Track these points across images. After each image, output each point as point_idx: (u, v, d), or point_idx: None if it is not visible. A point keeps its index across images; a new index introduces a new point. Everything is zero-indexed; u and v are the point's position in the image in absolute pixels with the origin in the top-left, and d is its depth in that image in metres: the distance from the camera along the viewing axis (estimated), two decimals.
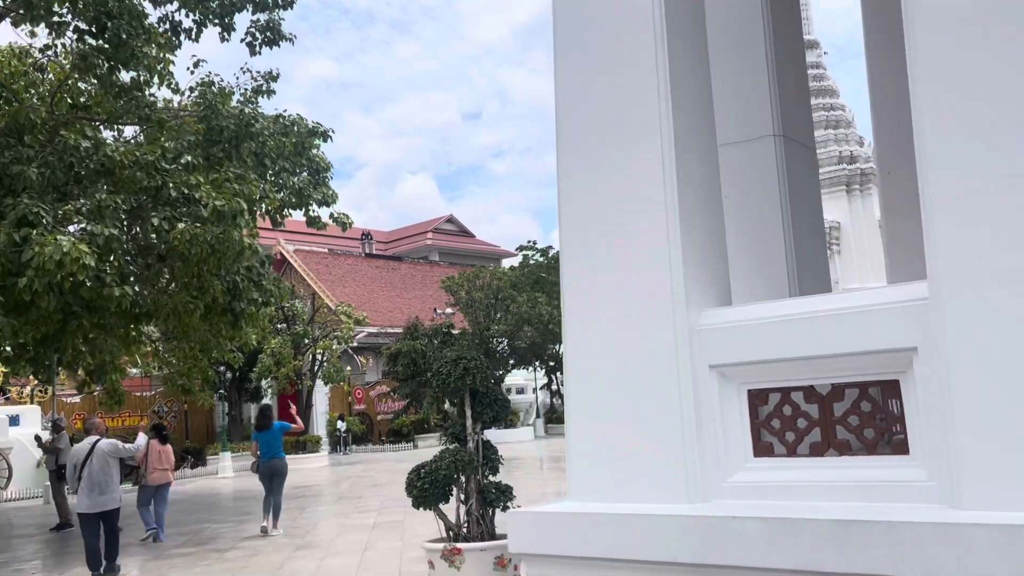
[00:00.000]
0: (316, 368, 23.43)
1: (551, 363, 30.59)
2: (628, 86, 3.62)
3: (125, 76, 10.95)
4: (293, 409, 11.84)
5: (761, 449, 3.26)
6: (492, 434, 28.17)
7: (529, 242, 31.15)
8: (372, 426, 30.27)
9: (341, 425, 27.83)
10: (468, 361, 4.39)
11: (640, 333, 3.44)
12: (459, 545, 3.89)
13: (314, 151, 13.63)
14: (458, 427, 4.38)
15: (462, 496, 4.33)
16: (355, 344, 26.21)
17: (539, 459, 18.95)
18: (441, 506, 4.40)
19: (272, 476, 9.66)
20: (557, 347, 30.39)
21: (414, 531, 8.78)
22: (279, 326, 20.90)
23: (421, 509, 4.38)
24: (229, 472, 19.97)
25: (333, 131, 13.16)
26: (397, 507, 11.30)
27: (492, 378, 4.31)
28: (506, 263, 36.44)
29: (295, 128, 12.92)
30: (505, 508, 4.20)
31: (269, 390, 25.32)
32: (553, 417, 30.66)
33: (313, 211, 13.84)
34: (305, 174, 13.72)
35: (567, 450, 3.69)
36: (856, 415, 3.07)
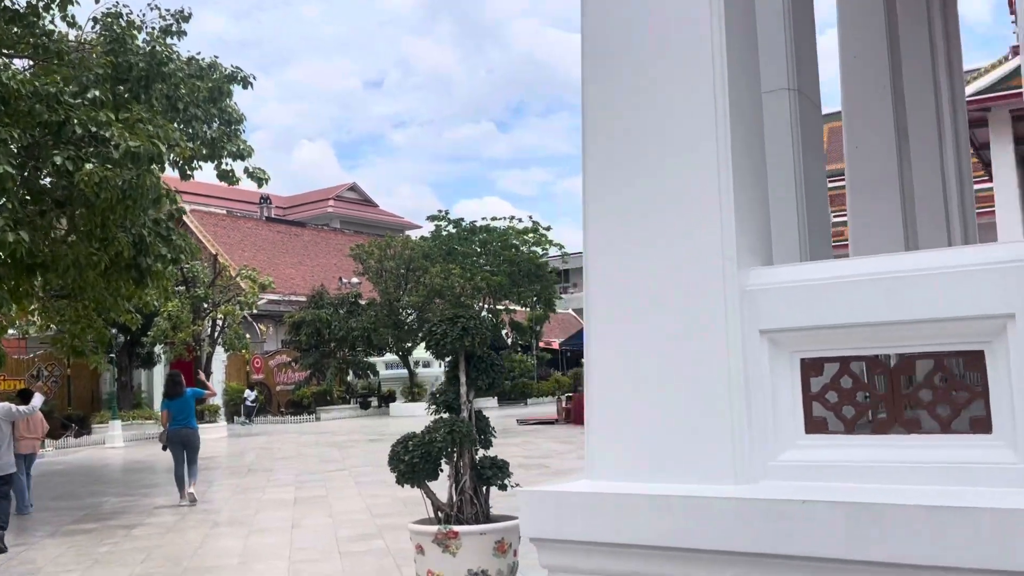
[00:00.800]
0: (216, 334, 22.23)
1: None
2: None
3: None
4: (203, 375, 11.04)
5: (814, 425, 2.92)
6: (400, 407, 27.59)
7: (440, 211, 30.50)
8: (271, 397, 29.14)
9: (250, 394, 26.70)
10: (467, 320, 3.90)
11: (682, 291, 3.03)
12: (456, 528, 3.43)
13: (228, 101, 12.68)
14: (450, 394, 3.89)
15: (452, 472, 3.85)
16: (254, 311, 25.06)
17: None
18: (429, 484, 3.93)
19: (184, 446, 9.02)
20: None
21: (342, 507, 8.24)
22: (178, 288, 19.62)
23: (407, 486, 3.88)
24: (119, 442, 18.71)
25: (255, 77, 12.24)
26: (314, 482, 10.67)
27: (488, 341, 3.86)
28: (411, 235, 35.70)
29: (212, 73, 11.95)
30: (503, 486, 3.76)
31: (163, 356, 23.90)
32: None
33: (227, 164, 12.92)
34: (216, 124, 12.77)
35: (586, 422, 3.26)
36: (928, 389, 2.75)
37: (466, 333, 3.85)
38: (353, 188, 66.88)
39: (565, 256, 33.03)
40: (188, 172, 12.73)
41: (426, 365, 31.20)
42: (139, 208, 8.41)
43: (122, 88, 10.30)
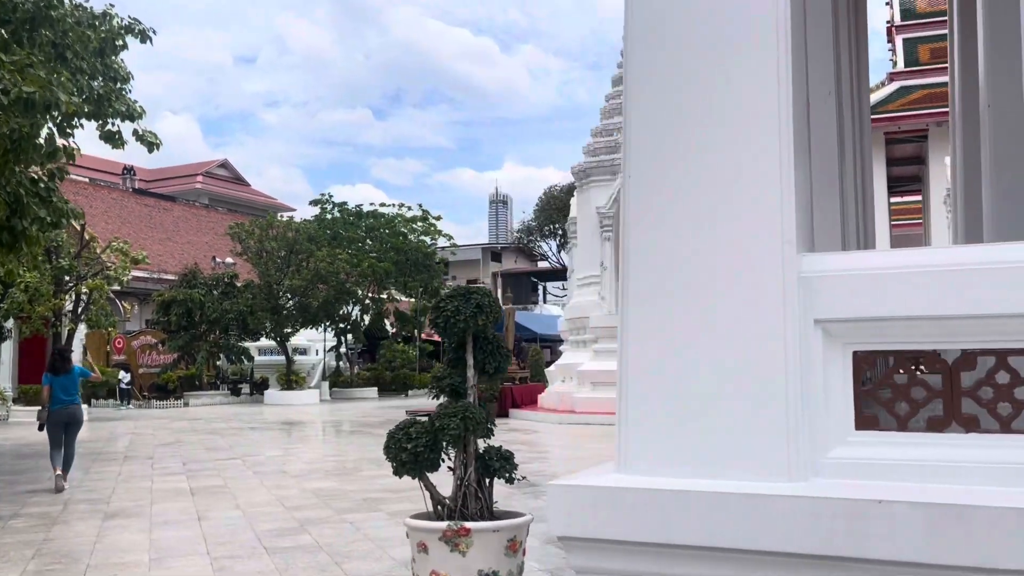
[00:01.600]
0: (80, 310, 20.56)
1: (341, 324, 29.29)
2: None
3: None
4: (90, 356, 10.09)
5: (864, 421, 2.80)
6: (274, 395, 26.48)
7: (324, 195, 29.54)
8: (133, 379, 27.33)
9: (125, 376, 24.93)
10: (480, 297, 3.57)
11: (736, 273, 2.84)
12: (468, 525, 3.11)
13: (117, 56, 11.66)
14: (456, 378, 3.54)
15: (457, 463, 3.51)
16: (123, 288, 23.38)
17: (333, 423, 17.89)
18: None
19: (68, 424, 8.27)
20: (351, 307, 29.14)
21: (250, 499, 7.66)
22: (39, 258, 17.96)
23: (406, 478, 3.50)
24: None
25: (154, 31, 11.27)
26: (206, 471, 9.97)
27: (500, 320, 3.53)
28: (287, 218, 34.37)
29: (104, 23, 10.93)
30: (511, 479, 3.46)
31: (14, 332, 21.94)
32: (339, 381, 29.43)
33: (114, 125, 11.89)
34: (101, 80, 11.72)
35: (620, 411, 3.02)
36: (990, 386, 2.68)
37: (480, 311, 3.53)
38: (224, 165, 63.95)
39: (454, 248, 32.73)
40: (68, 130, 11.61)
41: (302, 352, 30.14)
42: (30, 160, 7.50)
43: (4, 31, 9.24)
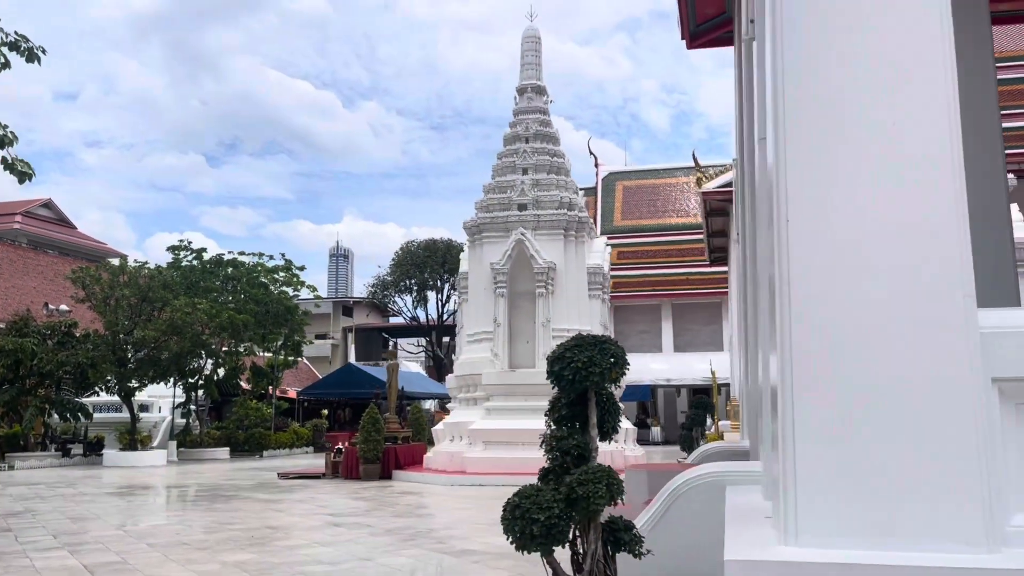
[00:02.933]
0: None
1: (191, 379, 27.21)
2: None
3: None
4: None
5: None
6: (114, 456, 24.03)
7: (183, 241, 27.68)
8: None
9: None
10: (615, 348, 3.16)
11: (915, 328, 2.70)
12: None
13: None
14: (576, 439, 3.09)
15: (581, 535, 3.04)
16: None
17: (199, 487, 16.33)
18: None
19: None
20: (203, 360, 27.18)
21: None
22: None
23: (530, 553, 2.98)
24: None
25: (43, 51, 10.09)
26: (88, 544, 8.67)
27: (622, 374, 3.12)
28: (132, 263, 31.77)
29: None
30: (639, 554, 3.04)
31: None
32: (187, 440, 27.19)
33: None
34: None
35: (787, 473, 2.76)
36: None
37: (616, 363, 3.12)
38: (47, 205, 58.95)
39: (318, 300, 31.36)
40: None
41: (144, 408, 27.71)
42: None
43: None
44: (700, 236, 39.68)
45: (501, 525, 3.00)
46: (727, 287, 35.85)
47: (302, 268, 29.46)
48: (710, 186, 22.82)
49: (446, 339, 56.50)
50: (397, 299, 55.62)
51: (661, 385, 35.90)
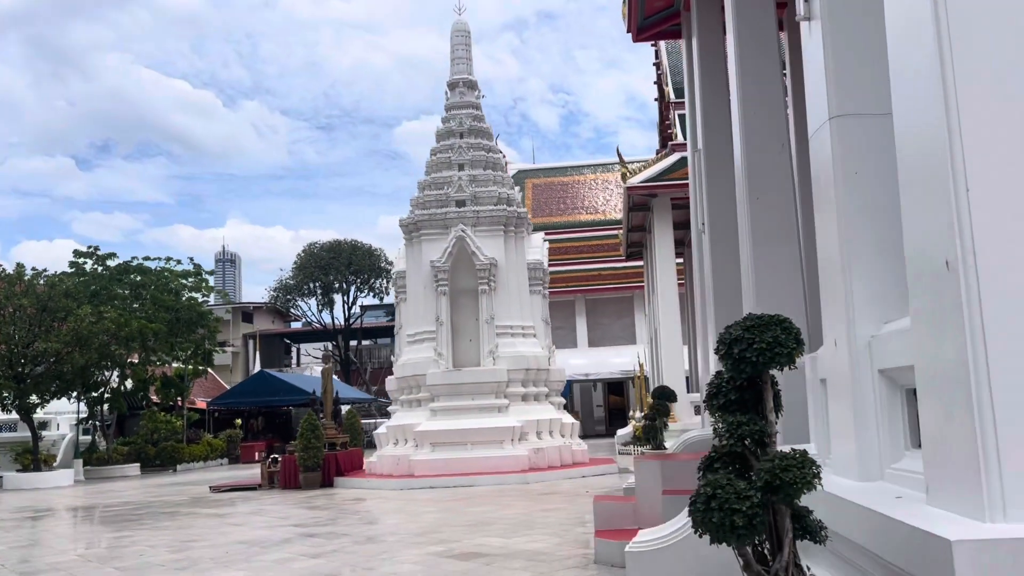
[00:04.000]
0: None
1: (96, 392, 25.58)
2: None
3: None
4: None
5: None
6: (13, 478, 22.32)
7: (89, 248, 26.00)
8: None
9: None
10: (796, 328, 3.01)
11: None
12: None
13: None
14: (758, 424, 2.92)
15: (771, 525, 2.87)
16: None
17: (124, 507, 15.31)
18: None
19: None
20: (111, 372, 25.59)
21: None
22: None
23: (729, 545, 2.76)
24: None
25: None
26: (60, 573, 7.94)
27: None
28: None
29: None
30: (822, 539, 2.90)
31: None
32: (94, 458, 25.52)
33: None
34: None
35: (983, 449, 2.73)
36: None
37: (799, 344, 2.98)
38: None
39: (230, 305, 30.06)
40: None
41: (42, 426, 25.85)
42: None
43: None
44: (611, 232, 40.32)
45: (691, 518, 2.82)
46: (641, 281, 36.57)
47: (211, 272, 28.17)
48: (634, 181, 23.12)
49: (354, 343, 55.37)
50: (301, 303, 54.13)
51: (579, 380, 36.25)
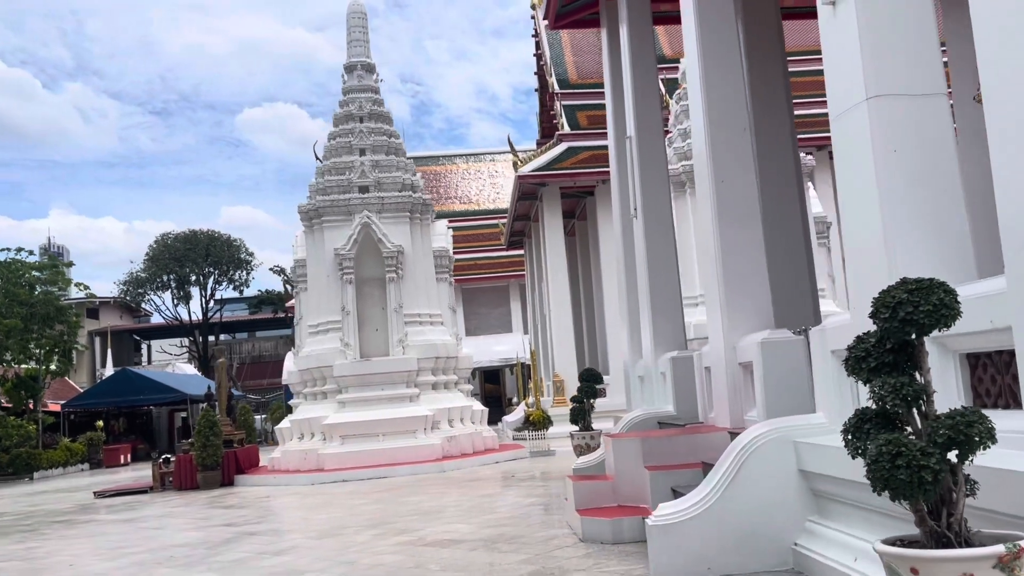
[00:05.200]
0: None
1: None
2: None
3: None
4: None
5: None
6: None
7: None
8: None
9: None
10: (953, 290, 3.08)
11: None
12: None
13: None
14: (917, 385, 2.98)
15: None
16: None
17: (7, 525, 13.95)
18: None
19: None
20: None
21: None
22: None
23: (911, 500, 2.80)
24: None
25: None
26: None
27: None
28: None
29: None
30: (974, 491, 3.03)
31: None
32: None
33: None
34: None
35: None
36: None
37: (957, 307, 3.07)
38: None
39: (92, 299, 27.90)
40: None
41: None
42: None
43: None
44: (485, 222, 40.51)
45: (872, 476, 2.88)
46: (520, 270, 36.96)
47: (69, 264, 26.07)
48: (525, 170, 23.33)
49: (212, 337, 52.82)
50: (154, 297, 51.06)
51: None
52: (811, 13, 13.44)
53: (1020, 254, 3.59)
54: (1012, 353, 3.82)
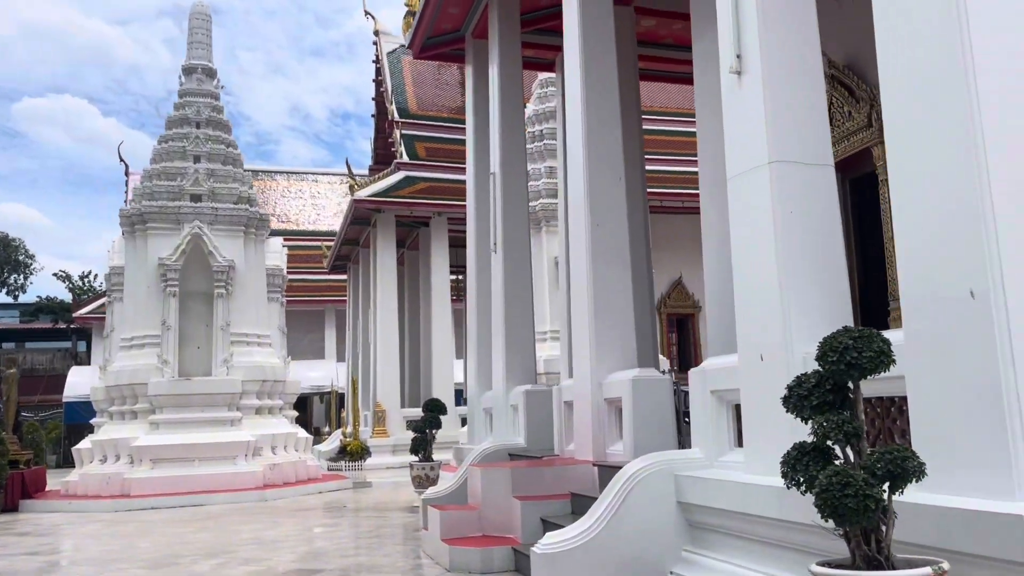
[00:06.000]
0: None
1: None
2: None
3: None
4: None
5: None
6: None
7: None
8: None
9: None
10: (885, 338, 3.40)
11: None
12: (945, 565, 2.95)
13: None
14: (856, 423, 3.26)
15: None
16: None
17: None
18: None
19: None
20: None
21: None
22: None
23: (856, 528, 3.02)
24: None
25: None
26: None
27: None
28: None
29: None
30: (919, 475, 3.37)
31: None
32: None
33: None
34: None
35: (1011, 433, 3.54)
36: None
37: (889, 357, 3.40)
38: None
39: None
40: None
41: None
42: None
43: None
44: (305, 243, 39.34)
45: (820, 503, 3.13)
46: (339, 295, 36.16)
47: None
48: (362, 194, 23.02)
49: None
50: None
51: None
52: (662, 77, 14.47)
53: (917, 312, 4.07)
54: (894, 399, 4.34)
